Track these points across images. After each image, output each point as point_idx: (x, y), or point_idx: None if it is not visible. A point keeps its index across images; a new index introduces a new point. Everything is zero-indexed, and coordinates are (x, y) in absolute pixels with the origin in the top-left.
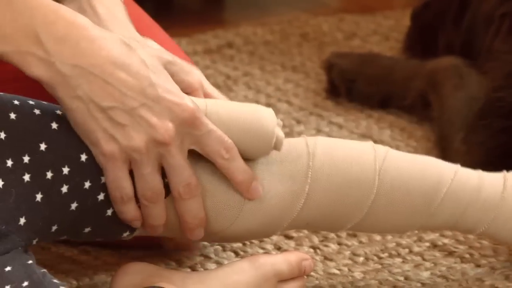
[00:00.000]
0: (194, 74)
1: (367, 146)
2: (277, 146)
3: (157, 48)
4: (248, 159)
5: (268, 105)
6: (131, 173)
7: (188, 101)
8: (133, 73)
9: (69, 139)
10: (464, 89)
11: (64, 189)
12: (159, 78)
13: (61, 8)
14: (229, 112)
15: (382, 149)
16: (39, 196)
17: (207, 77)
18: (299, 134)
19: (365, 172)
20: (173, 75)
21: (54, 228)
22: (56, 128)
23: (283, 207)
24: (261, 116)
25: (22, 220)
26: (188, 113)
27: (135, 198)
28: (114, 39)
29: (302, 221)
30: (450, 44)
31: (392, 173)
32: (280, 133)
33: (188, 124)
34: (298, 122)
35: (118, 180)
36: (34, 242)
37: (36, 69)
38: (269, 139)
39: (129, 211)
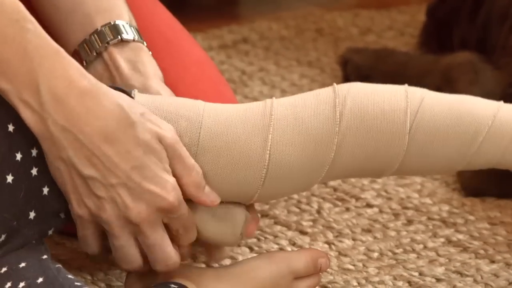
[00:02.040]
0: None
1: (401, 97)
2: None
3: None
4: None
5: None
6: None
7: (169, 190)
8: (121, 152)
9: None
10: (479, 84)
11: None
12: (149, 160)
13: (72, 65)
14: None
15: (417, 97)
16: (45, 190)
17: (223, 72)
18: None
19: (395, 130)
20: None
21: (62, 215)
22: None
23: (307, 173)
24: (232, 216)
25: (32, 214)
26: (165, 204)
27: None
28: (115, 110)
29: (330, 177)
30: (465, 40)
31: (425, 127)
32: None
33: (164, 212)
34: None
35: (85, 238)
36: (50, 232)
37: (28, 118)
38: (236, 237)
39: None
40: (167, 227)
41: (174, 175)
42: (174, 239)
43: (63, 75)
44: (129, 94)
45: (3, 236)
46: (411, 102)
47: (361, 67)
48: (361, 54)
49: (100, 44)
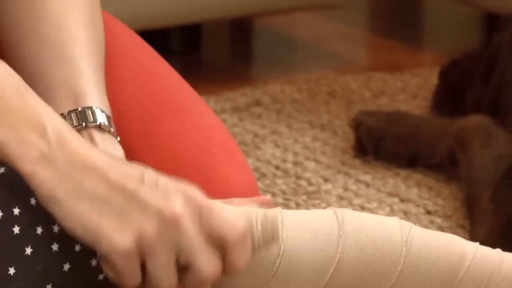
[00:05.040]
0: None
1: (395, 224)
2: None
3: None
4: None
5: (295, 163)
6: None
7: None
8: (131, 166)
9: None
10: (492, 147)
11: (94, 262)
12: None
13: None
14: None
15: (406, 226)
16: (66, 266)
17: (235, 135)
18: (327, 192)
19: (391, 252)
20: None
21: None
22: None
23: (310, 278)
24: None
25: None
26: (197, 195)
27: None
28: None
29: None
30: (478, 103)
31: (418, 246)
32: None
33: (195, 205)
34: (326, 180)
35: (130, 273)
36: None
37: (36, 164)
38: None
39: None
40: None
41: None
42: None
43: (63, 121)
44: None
45: None
46: (404, 228)
47: (373, 130)
48: (373, 117)
49: (80, 122)
